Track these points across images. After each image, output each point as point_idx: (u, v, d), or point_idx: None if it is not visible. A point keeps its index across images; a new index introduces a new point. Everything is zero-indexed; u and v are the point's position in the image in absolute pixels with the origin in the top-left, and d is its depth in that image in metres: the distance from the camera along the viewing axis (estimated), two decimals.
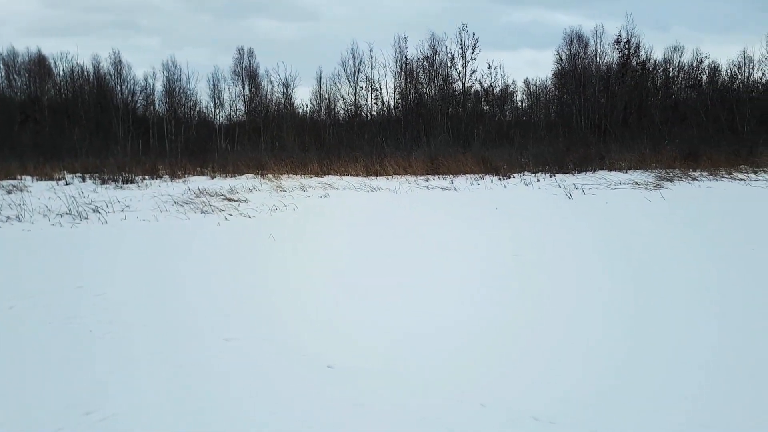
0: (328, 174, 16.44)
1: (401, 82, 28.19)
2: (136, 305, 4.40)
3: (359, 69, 28.72)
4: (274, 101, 30.80)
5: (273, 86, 30.51)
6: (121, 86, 30.69)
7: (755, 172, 14.29)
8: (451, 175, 15.96)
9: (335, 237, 7.45)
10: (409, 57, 27.85)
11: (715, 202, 10.07)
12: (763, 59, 23.39)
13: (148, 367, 3.21)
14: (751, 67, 23.77)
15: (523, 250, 6.22)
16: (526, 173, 15.71)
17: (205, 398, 2.82)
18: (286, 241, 7.05)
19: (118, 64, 30.37)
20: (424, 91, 27.96)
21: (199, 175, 17.47)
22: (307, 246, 6.81)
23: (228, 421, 2.59)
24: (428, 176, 16.23)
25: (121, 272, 5.54)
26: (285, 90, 30.32)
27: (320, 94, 30.29)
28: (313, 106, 30.93)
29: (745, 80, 23.59)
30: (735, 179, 13.23)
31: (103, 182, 15.45)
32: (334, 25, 51.08)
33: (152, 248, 6.93)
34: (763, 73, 23.47)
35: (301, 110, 31.55)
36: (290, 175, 16.20)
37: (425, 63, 27.66)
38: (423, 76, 28.01)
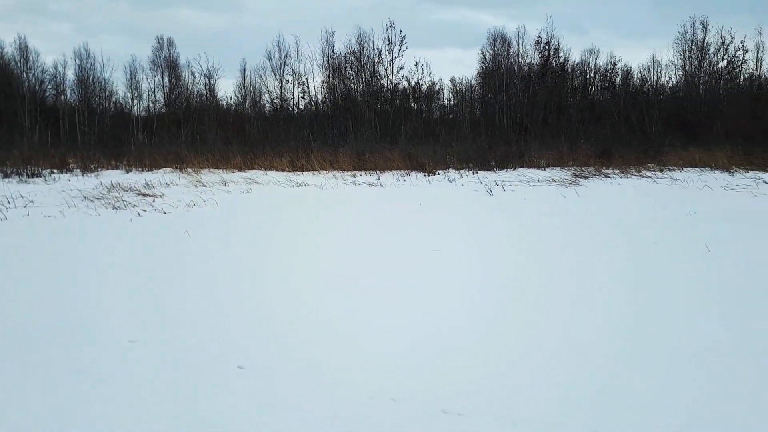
0: (252, 169, 16.03)
1: (329, 77, 27.98)
2: (28, 306, 4.06)
3: (285, 62, 28.24)
4: (195, 93, 29.77)
5: (194, 77, 29.47)
6: (27, 74, 28.64)
7: (661, 170, 15.22)
8: (378, 171, 15.97)
9: (255, 233, 7.24)
10: (336, 52, 27.69)
11: (624, 197, 10.62)
12: (670, 64, 25.00)
13: (43, 372, 2.96)
14: (659, 71, 25.35)
15: (443, 244, 6.28)
16: (450, 170, 15.97)
17: (104, 402, 2.62)
18: (203, 238, 6.78)
19: (24, 50, 28.29)
20: (352, 86, 27.88)
21: (113, 169, 16.56)
22: (226, 243, 6.58)
23: (130, 424, 2.42)
24: (355, 172, 16.17)
25: (16, 272, 5.12)
26: (207, 81, 29.36)
27: (245, 86, 29.56)
28: (238, 98, 30.16)
29: (654, 83, 25.13)
30: (643, 177, 14.03)
31: (5, 176, 14.34)
32: (258, 16, 49.95)
33: (55, 245, 6.46)
34: (669, 78, 25.08)
35: (224, 103, 30.68)
36: (211, 170, 15.68)
37: (353, 58, 27.58)
38: (350, 72, 27.92)
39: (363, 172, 15.95)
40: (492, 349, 3.27)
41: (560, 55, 27.16)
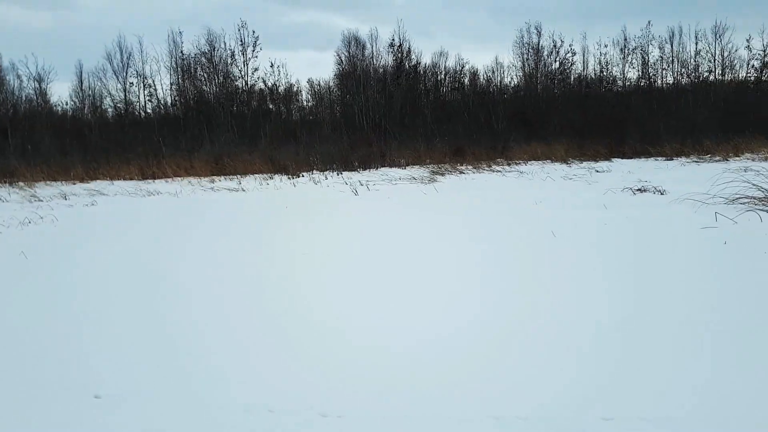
0: (96, 179, 14.64)
1: (178, 79, 26.45)
2: None
3: (128, 63, 26.17)
4: (24, 98, 26.56)
5: (22, 81, 26.28)
6: None
7: (509, 164, 16.39)
8: (239, 176, 15.40)
9: (103, 248, 6.55)
10: (185, 52, 26.26)
11: (476, 190, 11.24)
12: (511, 66, 27.09)
13: None
14: (502, 72, 27.32)
15: (310, 247, 6.15)
16: (314, 171, 15.85)
17: None
18: (42, 259, 5.99)
19: None
20: (205, 88, 26.63)
21: None
22: (68, 262, 5.86)
23: None
24: (214, 177, 15.44)
25: None
26: (38, 85, 26.32)
27: (82, 90, 26.91)
28: (75, 103, 27.40)
29: (499, 84, 27.03)
30: (494, 171, 14.99)
31: None
32: (93, 14, 45.77)
33: None
34: (511, 78, 27.13)
35: (59, 108, 27.71)
36: (48, 182, 14.06)
37: (203, 59, 26.35)
38: (202, 73, 26.65)
39: (222, 177, 15.27)
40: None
41: (413, 57, 28.21)
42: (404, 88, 27.17)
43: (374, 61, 27.90)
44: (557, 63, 25.07)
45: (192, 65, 26.43)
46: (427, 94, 28.51)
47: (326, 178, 14.40)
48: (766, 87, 21.73)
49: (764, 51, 21.40)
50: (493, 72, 27.37)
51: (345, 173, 15.39)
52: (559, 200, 9.25)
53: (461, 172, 14.87)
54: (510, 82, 27.06)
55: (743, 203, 7.49)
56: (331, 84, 30.51)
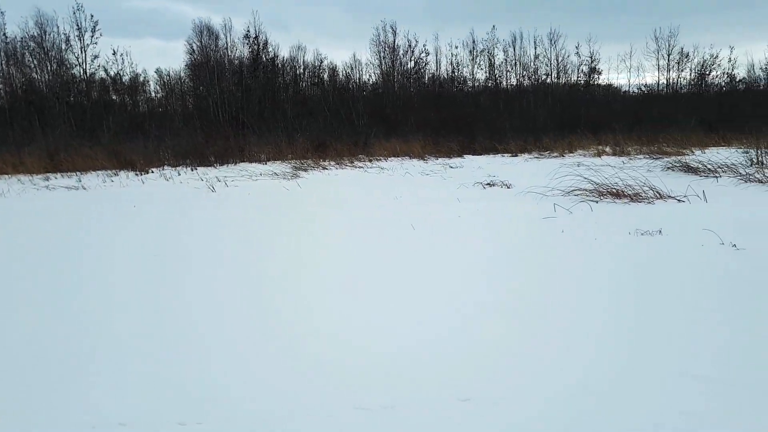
0: None
1: (1, 64, 23.37)
2: None
3: None
4: None
5: None
6: None
7: (370, 160, 16.65)
8: (78, 173, 13.96)
9: None
10: (9, 35, 23.27)
11: (340, 185, 11.27)
12: (369, 63, 27.56)
13: None
14: (360, 69, 27.69)
15: (162, 248, 5.71)
16: (166, 167, 14.86)
17: None
18: None
19: None
20: (35, 76, 23.82)
21: None
22: None
23: None
24: (48, 174, 13.86)
25: None
26: None
27: None
28: None
29: (358, 81, 27.37)
30: (356, 167, 15.13)
31: None
32: None
33: None
34: (370, 75, 27.60)
35: None
36: None
37: (32, 44, 23.54)
38: (31, 59, 23.80)
39: (59, 174, 13.75)
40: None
41: (270, 50, 27.59)
42: (262, 81, 26.51)
43: (229, 52, 26.89)
44: (412, 62, 25.99)
45: (19, 50, 23.51)
46: (287, 88, 28.08)
47: (179, 174, 13.55)
48: (594, 90, 24.46)
49: (591, 57, 24.03)
50: (352, 69, 27.68)
51: (200, 169, 14.61)
52: (418, 195, 9.55)
53: (324, 168, 14.81)
54: (368, 80, 27.56)
55: (577, 195, 8.28)
56: (183, 75, 28.88)
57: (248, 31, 26.83)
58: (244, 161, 16.28)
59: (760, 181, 9.00)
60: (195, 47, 27.10)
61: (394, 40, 25.83)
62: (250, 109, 25.20)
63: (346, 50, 60.34)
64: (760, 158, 11.30)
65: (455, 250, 5.52)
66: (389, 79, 25.89)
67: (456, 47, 26.20)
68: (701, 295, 3.91)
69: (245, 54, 27.18)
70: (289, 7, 45.67)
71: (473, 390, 2.66)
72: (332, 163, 15.85)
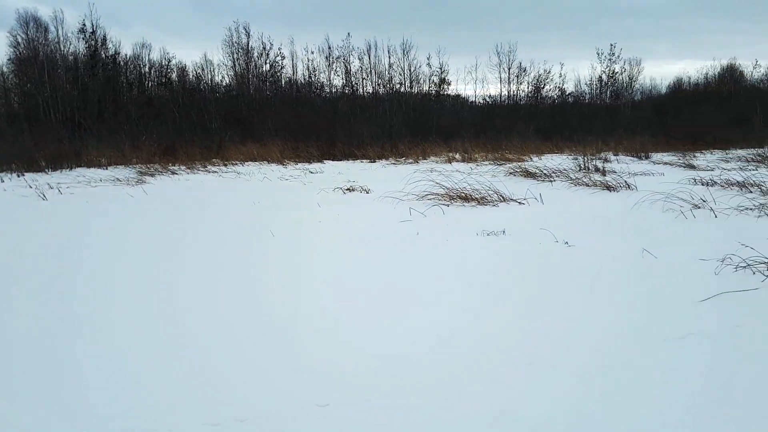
0: None
1: None
2: None
3: None
4: None
5: None
6: None
7: (225, 165, 15.99)
8: None
9: None
10: None
11: (190, 191, 10.66)
12: (222, 64, 26.51)
13: None
14: (212, 70, 26.54)
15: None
16: None
17: None
18: None
19: None
20: None
21: None
22: None
23: None
24: None
25: None
26: None
27: None
28: None
29: (210, 82, 26.20)
30: (210, 171, 14.43)
31: None
32: None
33: None
34: (223, 77, 26.56)
35: None
36: None
37: None
38: None
39: None
40: None
41: (110, 46, 25.46)
42: (102, 79, 24.37)
43: (62, 47, 24.36)
44: (268, 65, 25.49)
45: None
46: (130, 87, 26.09)
47: (2, 182, 11.96)
48: (445, 99, 25.84)
49: (441, 68, 25.36)
50: (203, 69, 26.45)
51: (28, 174, 13.02)
52: (277, 201, 9.33)
53: (174, 173, 13.93)
54: (221, 81, 26.52)
55: (430, 199, 8.62)
56: (6, 69, 25.64)
57: (84, 24, 24.54)
58: (81, 166, 14.79)
59: (587, 185, 10.05)
60: (20, 40, 24.18)
61: (248, 42, 25.16)
62: (88, 109, 23.02)
63: (195, 50, 57.64)
64: (586, 164, 12.65)
65: (318, 255, 5.44)
66: (244, 82, 25.13)
67: (312, 52, 26.19)
68: (538, 286, 4.22)
69: (81, 50, 24.81)
70: (129, 1, 42.46)
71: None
72: (183, 167, 14.98)
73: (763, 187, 8.79)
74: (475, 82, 41.88)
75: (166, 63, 26.95)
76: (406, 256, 5.42)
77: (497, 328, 3.47)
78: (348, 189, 10.44)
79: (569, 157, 15.74)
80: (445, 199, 8.57)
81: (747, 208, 7.21)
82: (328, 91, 25.74)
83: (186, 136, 18.50)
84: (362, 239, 6.18)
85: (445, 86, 25.68)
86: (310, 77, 25.69)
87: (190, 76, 26.57)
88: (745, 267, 4.51)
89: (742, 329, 3.35)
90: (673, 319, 3.54)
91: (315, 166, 15.82)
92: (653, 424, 2.37)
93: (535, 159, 15.67)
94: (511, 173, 12.13)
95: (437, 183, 9.27)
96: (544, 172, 11.53)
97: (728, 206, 7.39)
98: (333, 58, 25.22)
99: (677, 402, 2.53)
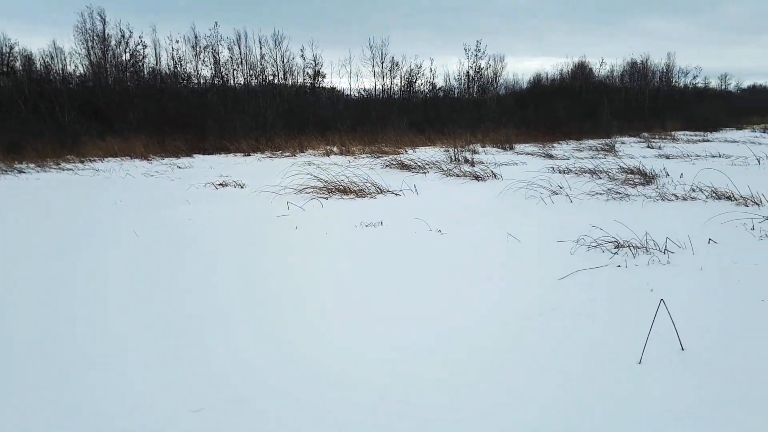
0: None
1: None
2: None
3: None
4: None
5: None
6: None
7: (82, 162, 14.65)
8: None
9: None
10: None
11: (46, 191, 9.64)
12: (74, 53, 24.17)
13: None
14: (64, 59, 24.13)
15: None
16: None
17: None
18: None
19: None
20: None
21: None
22: None
23: None
24: None
25: None
26: None
27: None
28: None
29: (61, 71, 23.79)
30: (64, 170, 13.14)
31: None
32: None
33: None
34: (76, 66, 24.24)
35: None
36: None
37: None
38: None
39: None
40: None
41: None
42: None
43: None
44: (128, 54, 23.68)
45: None
46: None
47: None
48: (320, 92, 25.64)
49: (315, 60, 25.13)
50: (53, 58, 23.96)
51: None
52: (141, 199, 8.71)
53: (21, 171, 12.51)
54: (75, 71, 24.20)
55: (309, 193, 8.51)
56: None
57: None
58: None
59: (458, 176, 10.49)
60: None
61: (104, 29, 23.18)
62: None
63: (42, 37, 51.97)
64: (457, 156, 13.21)
65: (188, 254, 5.14)
66: (101, 72, 23.12)
67: (177, 41, 24.62)
68: (412, 272, 4.32)
69: None
70: None
71: None
72: (32, 165, 13.50)
73: (610, 174, 9.71)
74: (350, 75, 42.29)
75: (8, 50, 24.08)
76: (283, 251, 5.29)
77: (370, 314, 3.48)
78: (221, 184, 10.01)
79: (441, 149, 16.35)
80: (323, 192, 8.50)
81: (597, 193, 7.92)
82: (196, 82, 24.47)
83: (35, 130, 16.68)
84: (237, 235, 5.95)
85: (320, 79, 25.51)
86: (175, 67, 24.22)
87: (38, 65, 23.96)
88: (595, 246, 4.94)
89: (596, 302, 3.66)
90: (536, 297, 3.78)
91: (184, 160, 14.98)
92: (522, 393, 2.49)
93: (410, 151, 16.08)
94: (387, 165, 12.34)
95: (315, 176, 9.18)
96: (419, 164, 11.87)
97: (581, 192, 8.08)
98: (200, 47, 23.99)
99: (547, 372, 2.69)
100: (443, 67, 64.51)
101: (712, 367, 2.70)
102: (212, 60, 24.31)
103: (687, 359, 2.80)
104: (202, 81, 24.60)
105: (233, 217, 6.95)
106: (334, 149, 17.01)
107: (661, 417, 2.30)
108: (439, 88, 28.03)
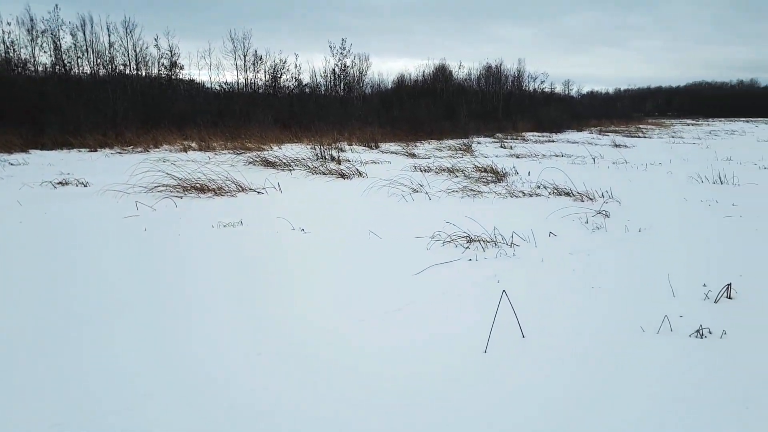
0: None
1: None
2: None
3: None
4: None
5: None
6: None
7: None
8: None
9: None
10: None
11: None
12: None
13: None
14: None
15: None
16: None
17: None
18: None
19: None
20: None
21: None
22: None
23: None
24: None
25: None
26: None
27: None
28: None
29: None
30: None
31: None
32: None
33: None
34: None
35: None
36: None
37: None
38: None
39: None
40: None
41: None
42: None
43: None
44: None
45: None
46: None
47: None
48: (178, 85, 24.16)
49: (171, 51, 23.64)
50: None
51: None
52: None
53: None
54: None
55: (161, 191, 7.97)
56: None
57: None
58: None
59: (323, 173, 10.44)
60: None
61: None
62: None
63: None
64: (323, 154, 13.15)
65: (14, 266, 4.54)
66: None
67: (9, 23, 21.88)
68: (272, 273, 4.18)
69: None
70: None
71: None
72: None
73: (466, 172, 10.23)
74: (210, 68, 40.55)
75: None
76: (129, 252, 4.87)
77: (217, 319, 3.30)
78: (60, 182, 9.03)
79: (308, 146, 16.19)
80: (178, 191, 8.00)
81: (453, 191, 8.29)
82: (33, 69, 21.92)
83: None
84: (73, 240, 5.38)
85: (178, 70, 24.06)
86: (7, 53, 21.51)
87: None
88: (450, 242, 5.14)
89: (448, 295, 3.79)
90: (393, 293, 3.83)
91: (17, 156, 13.34)
92: (375, 387, 2.48)
93: (275, 148, 15.73)
94: (251, 162, 11.94)
95: (168, 174, 8.62)
96: (284, 161, 11.63)
97: (440, 189, 8.41)
98: (38, 31, 21.54)
99: (400, 364, 2.71)
100: (308, 63, 64.11)
101: (550, 352, 2.90)
102: (52, 46, 21.96)
103: (527, 346, 2.98)
104: (40, 69, 22.10)
105: (72, 219, 6.28)
106: (193, 145, 16.16)
107: (505, 401, 2.41)
108: (305, 85, 27.80)
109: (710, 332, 3.09)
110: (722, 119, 63.46)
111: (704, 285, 3.88)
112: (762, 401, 2.40)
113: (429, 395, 2.48)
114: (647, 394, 2.47)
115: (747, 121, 56.02)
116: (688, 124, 44.70)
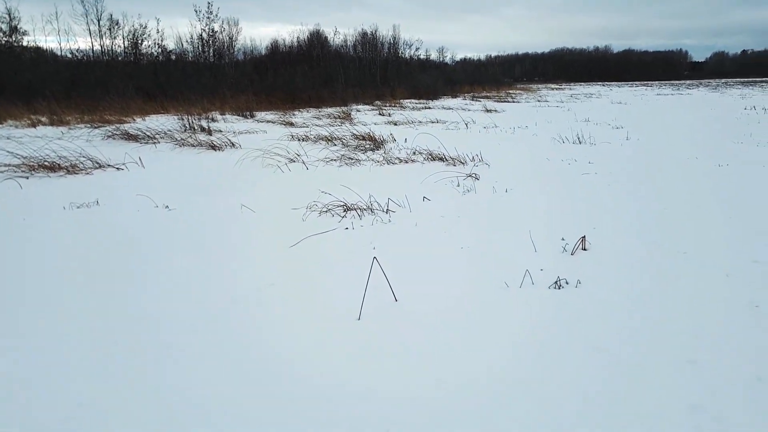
0: None
1: None
2: None
3: None
4: None
5: None
6: None
7: None
8: None
9: None
10: None
11: None
12: None
13: None
14: None
15: None
16: None
17: None
18: None
19: None
20: None
21: None
22: None
23: None
24: None
25: None
26: None
27: None
28: None
29: None
30: None
31: None
32: None
33: None
34: None
35: None
36: None
37: None
38: None
39: None
40: None
41: None
42: None
43: None
44: None
45: None
46: None
47: None
48: (20, 53, 21.47)
49: (9, 14, 20.92)
50: None
51: None
52: None
53: None
54: None
55: (3, 171, 7.09)
56: None
57: None
58: None
59: (192, 145, 9.85)
60: None
61: None
62: None
63: None
64: (191, 124, 12.40)
65: None
66: None
67: None
68: (133, 256, 3.86)
69: None
70: None
71: None
72: None
73: (344, 141, 10.14)
74: (59, 33, 36.60)
75: None
76: None
77: (65, 315, 2.99)
78: None
79: (175, 117, 15.20)
80: (23, 170, 7.16)
81: (331, 160, 8.18)
82: None
83: None
84: None
85: (20, 36, 21.42)
86: None
87: None
88: (326, 211, 5.05)
89: (324, 266, 3.71)
90: (267, 267, 3.69)
91: None
92: (254, 360, 2.36)
93: (138, 120, 14.57)
94: (110, 136, 10.97)
95: (11, 152, 7.69)
96: (148, 134, 10.81)
97: (317, 158, 8.26)
98: None
99: (276, 336, 2.60)
100: (172, 29, 60.09)
101: (421, 313, 2.93)
102: None
103: (399, 309, 2.99)
104: None
105: None
106: (43, 119, 14.56)
107: (381, 366, 2.39)
108: (170, 51, 25.97)
109: (567, 282, 3.30)
110: (582, 83, 68.84)
111: (562, 239, 4.13)
112: (609, 341, 2.60)
113: (301, 367, 2.41)
114: (510, 343, 2.59)
115: (603, 85, 61.23)
116: (553, 89, 47.94)
